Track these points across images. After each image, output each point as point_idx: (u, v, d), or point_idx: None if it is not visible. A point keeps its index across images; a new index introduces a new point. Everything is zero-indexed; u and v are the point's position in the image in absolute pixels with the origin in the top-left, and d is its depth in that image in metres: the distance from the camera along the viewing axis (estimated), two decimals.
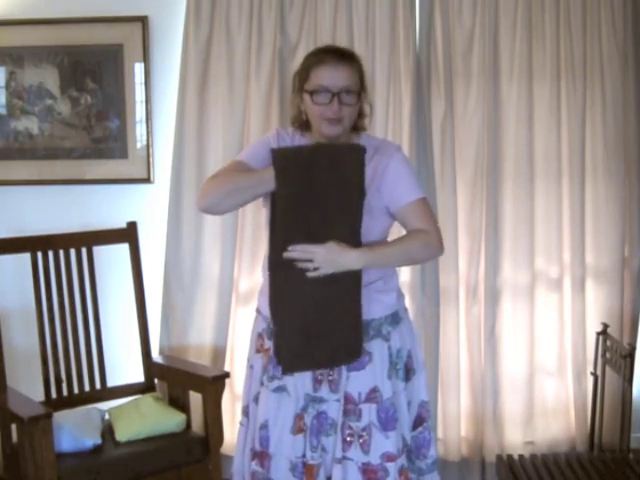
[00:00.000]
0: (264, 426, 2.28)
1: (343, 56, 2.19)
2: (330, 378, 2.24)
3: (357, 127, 2.28)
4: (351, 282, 2.15)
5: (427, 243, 2.20)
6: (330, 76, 2.15)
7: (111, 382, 3.10)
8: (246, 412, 2.42)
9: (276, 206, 2.11)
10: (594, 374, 3.23)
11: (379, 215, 2.23)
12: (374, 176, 2.21)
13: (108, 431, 2.88)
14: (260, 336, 2.37)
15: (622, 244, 3.34)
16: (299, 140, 2.30)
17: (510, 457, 3.08)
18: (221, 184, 2.15)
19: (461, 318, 3.38)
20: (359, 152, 2.10)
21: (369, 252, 2.13)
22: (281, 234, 2.10)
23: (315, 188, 2.08)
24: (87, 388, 3.05)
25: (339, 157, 2.10)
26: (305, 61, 2.24)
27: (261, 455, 2.30)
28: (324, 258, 2.08)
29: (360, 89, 2.21)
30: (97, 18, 3.29)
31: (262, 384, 2.31)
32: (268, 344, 2.30)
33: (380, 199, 2.22)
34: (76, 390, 3.02)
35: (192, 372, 2.99)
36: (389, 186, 2.22)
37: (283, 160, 2.09)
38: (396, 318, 2.32)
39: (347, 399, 2.24)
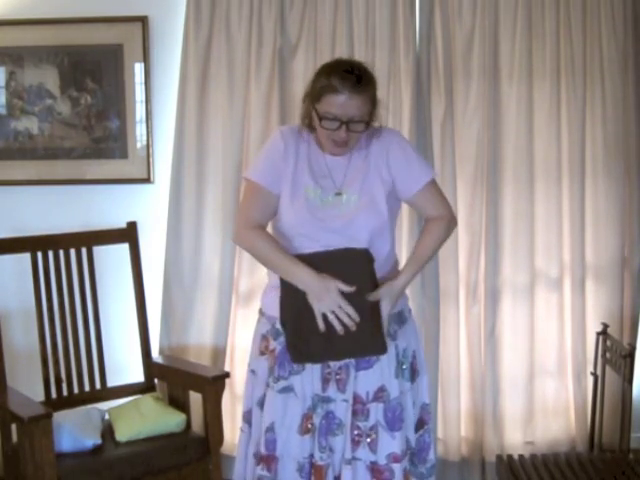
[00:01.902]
0: (270, 429, 2.25)
1: (358, 85, 2.11)
2: (338, 377, 2.23)
3: None
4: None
5: (447, 229, 2.31)
6: (341, 106, 2.10)
7: (111, 382, 3.10)
8: (247, 418, 2.40)
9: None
10: (594, 374, 3.23)
11: (382, 209, 2.22)
12: (376, 165, 2.22)
13: (108, 431, 2.88)
14: (264, 337, 2.33)
15: (622, 244, 3.34)
16: (305, 142, 2.28)
17: (510, 457, 3.08)
18: (256, 249, 2.25)
19: (461, 318, 3.38)
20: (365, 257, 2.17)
21: (409, 273, 2.24)
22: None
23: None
24: (87, 388, 3.05)
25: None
26: (319, 80, 2.15)
27: (267, 459, 2.27)
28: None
29: (370, 116, 2.17)
30: (97, 18, 3.29)
31: (268, 386, 2.28)
32: (273, 345, 2.29)
33: (384, 189, 2.22)
34: (76, 390, 3.02)
35: (192, 372, 2.99)
36: (398, 175, 2.24)
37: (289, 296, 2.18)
38: (401, 317, 2.32)
39: (355, 399, 2.23)
